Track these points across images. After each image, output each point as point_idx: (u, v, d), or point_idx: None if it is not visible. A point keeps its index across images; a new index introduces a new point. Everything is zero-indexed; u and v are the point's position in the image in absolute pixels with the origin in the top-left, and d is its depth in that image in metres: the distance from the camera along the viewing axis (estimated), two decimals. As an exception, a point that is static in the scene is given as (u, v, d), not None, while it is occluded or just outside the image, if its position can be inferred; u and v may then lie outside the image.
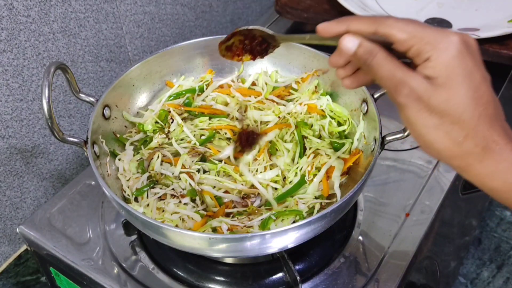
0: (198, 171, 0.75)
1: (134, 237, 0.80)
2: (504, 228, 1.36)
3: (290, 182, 0.75)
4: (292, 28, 1.25)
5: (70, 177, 1.01)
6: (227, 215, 0.71)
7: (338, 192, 0.72)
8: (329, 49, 0.89)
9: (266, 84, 0.87)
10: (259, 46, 0.66)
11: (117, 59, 1.01)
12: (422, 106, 0.47)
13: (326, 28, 0.53)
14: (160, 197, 0.72)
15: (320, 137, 0.80)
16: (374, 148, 0.71)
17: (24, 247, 0.96)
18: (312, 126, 0.81)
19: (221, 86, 0.88)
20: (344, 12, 1.09)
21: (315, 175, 0.75)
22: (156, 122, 0.82)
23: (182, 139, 0.81)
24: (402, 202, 0.83)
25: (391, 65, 0.49)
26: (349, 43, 0.50)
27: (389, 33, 0.48)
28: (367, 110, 0.76)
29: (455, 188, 0.89)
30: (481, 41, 0.99)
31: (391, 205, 0.83)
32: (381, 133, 0.70)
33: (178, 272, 0.76)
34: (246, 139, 0.74)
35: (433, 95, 0.47)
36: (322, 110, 0.82)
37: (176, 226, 0.69)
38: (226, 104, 0.86)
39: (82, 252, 0.79)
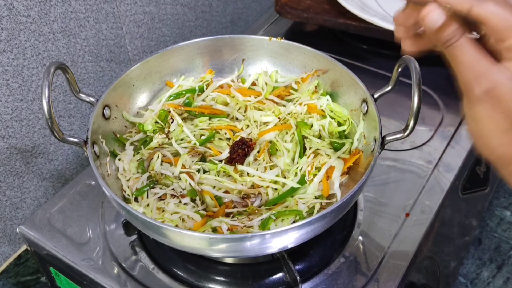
0: (198, 171, 0.75)
1: (134, 237, 0.80)
2: (504, 228, 1.36)
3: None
4: (292, 28, 1.25)
5: (70, 177, 1.01)
6: (227, 215, 0.71)
7: (338, 192, 0.72)
8: (330, 50, 0.90)
9: (266, 84, 0.87)
10: None
11: (117, 59, 1.01)
12: (499, 107, 0.43)
13: None
14: (160, 197, 0.72)
15: (320, 137, 0.80)
16: (374, 148, 0.71)
17: (24, 247, 0.96)
18: (312, 126, 0.81)
19: (221, 86, 0.88)
20: (344, 12, 1.09)
21: (315, 175, 0.75)
22: (156, 122, 0.82)
23: (182, 139, 0.80)
24: (402, 202, 0.83)
25: (476, 52, 0.43)
26: (434, 18, 0.44)
27: (484, 18, 0.42)
28: (367, 110, 0.76)
29: (455, 188, 0.89)
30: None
31: (391, 205, 0.83)
32: (381, 133, 0.70)
33: (178, 272, 0.76)
34: (243, 153, 0.75)
35: None
36: (322, 110, 0.82)
37: (176, 226, 0.69)
38: (226, 104, 0.86)
39: (82, 252, 0.79)
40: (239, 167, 0.75)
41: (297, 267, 0.75)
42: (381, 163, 0.89)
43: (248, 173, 0.75)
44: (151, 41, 1.08)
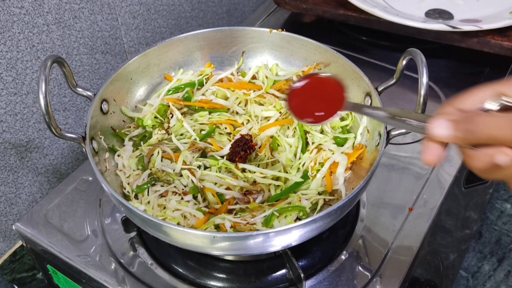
0: (199, 167, 0.73)
1: (133, 233, 0.79)
2: (504, 221, 1.36)
3: (293, 177, 0.74)
4: (290, 19, 1.23)
5: (65, 172, 0.99)
6: (229, 212, 0.70)
7: (343, 189, 0.71)
8: (329, 41, 0.88)
9: (266, 77, 0.86)
10: None
11: (113, 51, 0.99)
12: None
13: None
14: (161, 194, 0.71)
15: (322, 131, 0.79)
16: (379, 143, 0.69)
17: (19, 243, 0.94)
18: (314, 120, 0.79)
19: (221, 80, 0.86)
20: (344, 3, 1.07)
21: (318, 170, 0.74)
22: (156, 117, 0.80)
23: (181, 134, 0.79)
24: (405, 197, 0.82)
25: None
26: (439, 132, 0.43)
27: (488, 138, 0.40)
28: (370, 103, 0.75)
29: (457, 182, 0.88)
30: (483, 33, 0.98)
31: (394, 200, 0.82)
32: (386, 127, 0.69)
33: (179, 269, 0.75)
34: (245, 156, 0.74)
35: None
36: (324, 104, 0.81)
37: (178, 223, 0.68)
38: (226, 98, 0.84)
39: (80, 249, 0.77)
40: (240, 165, 0.74)
41: (300, 263, 0.74)
42: (383, 157, 0.88)
43: (249, 169, 0.74)
44: (147, 33, 1.06)
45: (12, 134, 0.85)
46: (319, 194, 0.72)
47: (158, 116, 0.80)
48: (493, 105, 0.42)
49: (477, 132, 0.40)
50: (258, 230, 0.66)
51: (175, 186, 0.71)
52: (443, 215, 0.84)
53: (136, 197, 0.71)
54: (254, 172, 0.73)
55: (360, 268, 0.74)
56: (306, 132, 0.78)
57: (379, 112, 0.51)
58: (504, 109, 0.42)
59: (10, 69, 0.80)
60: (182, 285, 0.73)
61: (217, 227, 0.67)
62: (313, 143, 0.76)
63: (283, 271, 0.74)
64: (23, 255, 0.96)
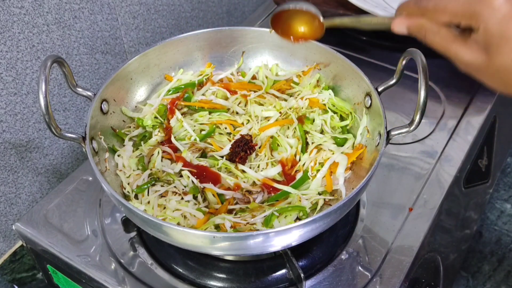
0: (200, 167, 0.73)
1: (133, 233, 0.79)
2: (504, 221, 1.35)
3: (293, 177, 0.74)
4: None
5: (65, 172, 0.99)
6: (229, 212, 0.70)
7: (343, 189, 0.71)
8: (328, 41, 0.88)
9: (266, 77, 0.86)
10: None
11: (113, 51, 0.99)
12: (483, 73, 0.51)
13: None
14: (161, 194, 0.71)
15: (322, 132, 0.79)
16: (379, 143, 0.69)
17: (19, 243, 0.94)
18: (314, 120, 0.79)
19: (221, 80, 0.86)
20: (344, 3, 1.07)
21: (318, 170, 0.74)
22: (156, 117, 0.80)
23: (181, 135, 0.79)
24: (405, 197, 0.82)
25: (442, 40, 0.52)
26: (398, 28, 0.59)
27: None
28: (370, 104, 0.75)
29: (457, 182, 0.88)
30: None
31: (394, 200, 0.82)
32: (386, 127, 0.69)
33: (179, 269, 0.75)
34: (245, 156, 0.73)
35: (490, 64, 0.49)
36: (324, 105, 0.81)
37: (178, 223, 0.68)
38: (226, 98, 0.84)
39: (80, 249, 0.77)
40: (240, 166, 0.74)
41: (300, 263, 0.74)
42: (383, 157, 0.88)
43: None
44: (147, 33, 1.06)
45: (12, 134, 0.85)
46: (319, 194, 0.72)
47: (158, 116, 0.80)
48: None
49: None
50: (258, 230, 0.66)
51: (175, 186, 0.71)
52: (443, 215, 0.84)
53: (136, 197, 0.71)
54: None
55: (360, 268, 0.74)
56: (306, 132, 0.78)
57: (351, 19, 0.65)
58: None
59: (10, 69, 0.80)
60: (182, 285, 0.73)
61: (217, 227, 0.67)
62: (313, 143, 0.76)
63: (283, 271, 0.74)
64: (23, 255, 0.96)
